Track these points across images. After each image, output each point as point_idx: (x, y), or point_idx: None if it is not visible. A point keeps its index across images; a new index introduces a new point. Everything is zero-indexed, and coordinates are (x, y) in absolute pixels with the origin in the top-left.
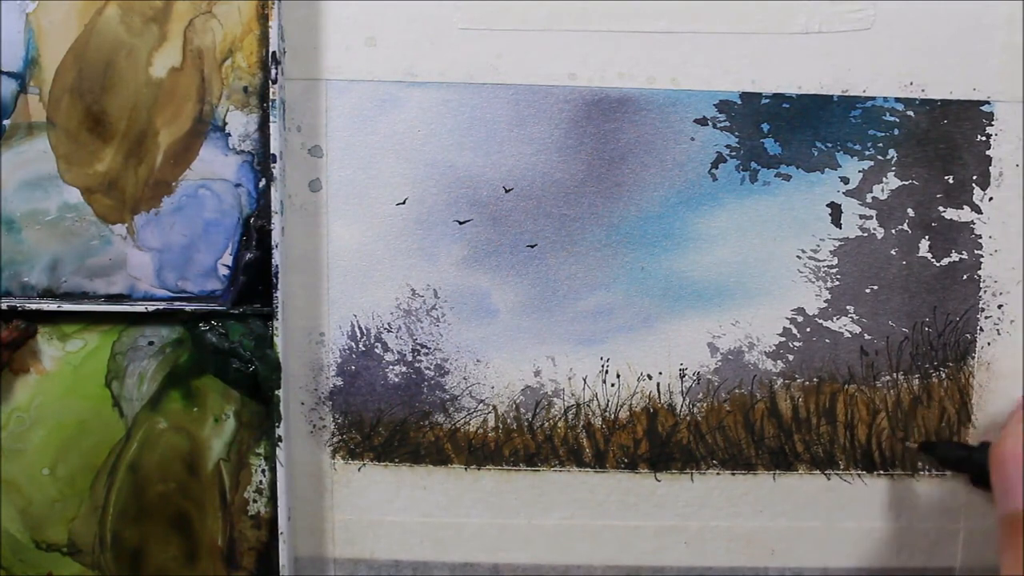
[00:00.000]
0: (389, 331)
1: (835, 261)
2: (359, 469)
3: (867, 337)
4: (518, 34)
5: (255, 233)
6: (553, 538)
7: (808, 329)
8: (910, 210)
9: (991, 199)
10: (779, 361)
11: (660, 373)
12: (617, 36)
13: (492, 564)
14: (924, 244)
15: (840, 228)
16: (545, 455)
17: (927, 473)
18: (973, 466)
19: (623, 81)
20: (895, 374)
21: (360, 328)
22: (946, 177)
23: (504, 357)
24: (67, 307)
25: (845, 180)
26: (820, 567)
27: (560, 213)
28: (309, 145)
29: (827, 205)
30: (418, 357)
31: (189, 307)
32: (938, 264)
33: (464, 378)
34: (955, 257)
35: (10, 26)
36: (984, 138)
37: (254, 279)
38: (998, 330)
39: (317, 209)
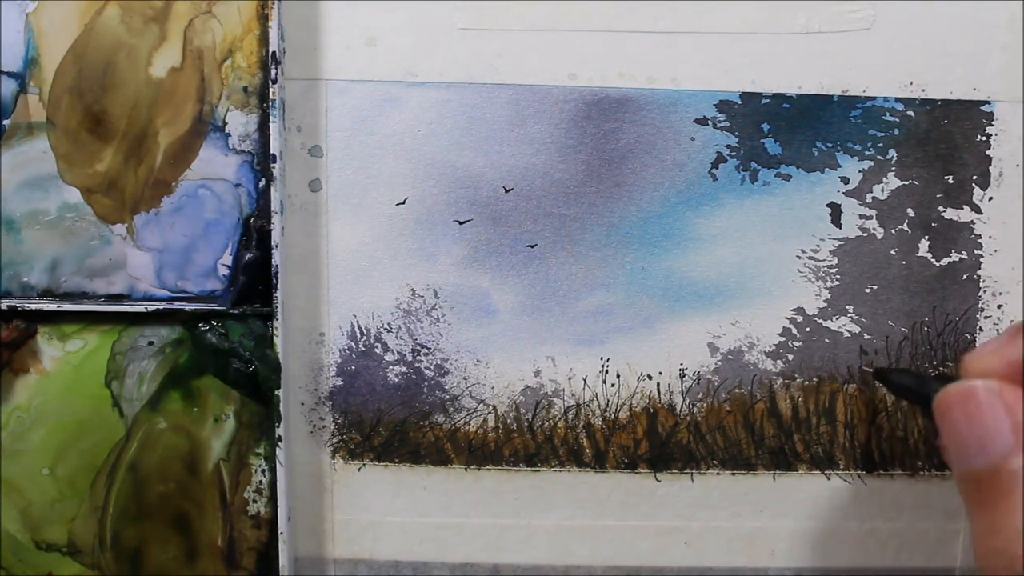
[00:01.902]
0: (389, 331)
1: (835, 261)
2: (359, 469)
3: (867, 337)
4: (518, 34)
5: (255, 233)
6: (553, 538)
7: (808, 329)
8: (910, 210)
9: (991, 199)
10: (779, 361)
11: (660, 373)
12: (617, 36)
13: (492, 564)
14: (924, 244)
15: (840, 228)
16: (545, 455)
17: (927, 473)
18: (923, 398)
19: (623, 81)
20: None
21: (360, 328)
22: (946, 177)
23: (504, 357)
24: (67, 307)
25: (845, 180)
26: (820, 567)
27: (560, 213)
28: (309, 145)
29: (827, 205)
30: (418, 357)
31: (189, 307)
32: (938, 264)
33: (464, 378)
34: (955, 257)
35: (10, 26)
36: (984, 138)
37: (254, 279)
38: (998, 330)
39: (317, 209)
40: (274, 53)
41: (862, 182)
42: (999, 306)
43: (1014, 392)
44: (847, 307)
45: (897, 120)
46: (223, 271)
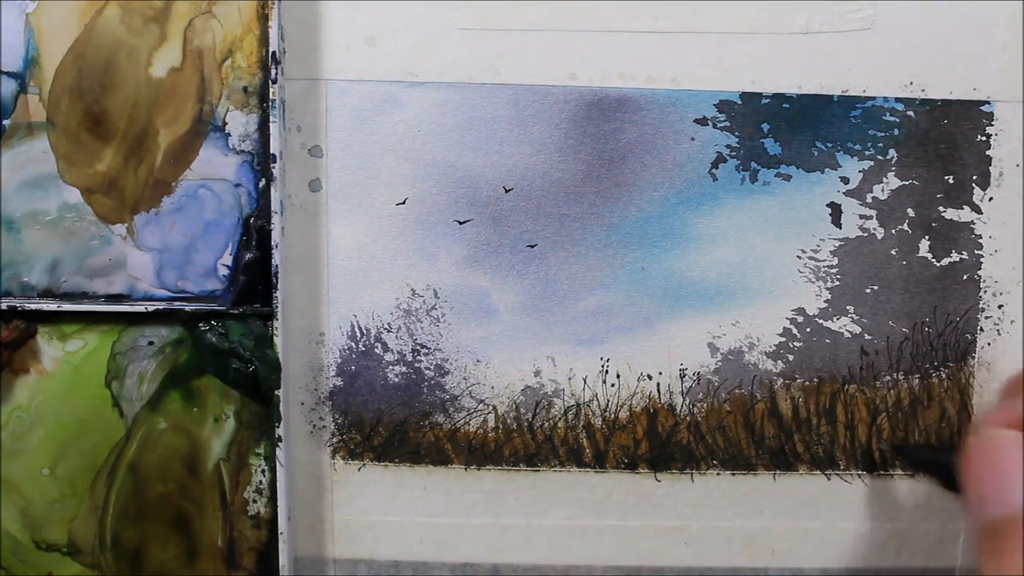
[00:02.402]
0: (389, 331)
1: (835, 261)
2: (359, 469)
3: (867, 337)
4: (518, 34)
5: (255, 233)
6: (553, 538)
7: (808, 329)
8: (910, 210)
9: (991, 199)
10: (779, 361)
11: (660, 373)
12: (617, 36)
13: (492, 564)
14: (924, 244)
15: (840, 228)
16: (545, 455)
17: None
18: (941, 468)
19: (623, 81)
20: (895, 374)
21: (360, 328)
22: (946, 177)
23: (504, 357)
24: (67, 307)
25: (845, 180)
26: (820, 567)
27: (560, 213)
28: (309, 145)
29: (827, 205)
30: (418, 357)
31: (189, 307)
32: (938, 264)
33: (464, 378)
34: (955, 257)
35: (10, 26)
36: (984, 138)
37: (254, 279)
38: (998, 330)
39: (317, 209)
40: (274, 53)
41: (862, 182)
42: (999, 306)
43: None
44: (847, 307)
45: (897, 120)
46: (223, 271)
